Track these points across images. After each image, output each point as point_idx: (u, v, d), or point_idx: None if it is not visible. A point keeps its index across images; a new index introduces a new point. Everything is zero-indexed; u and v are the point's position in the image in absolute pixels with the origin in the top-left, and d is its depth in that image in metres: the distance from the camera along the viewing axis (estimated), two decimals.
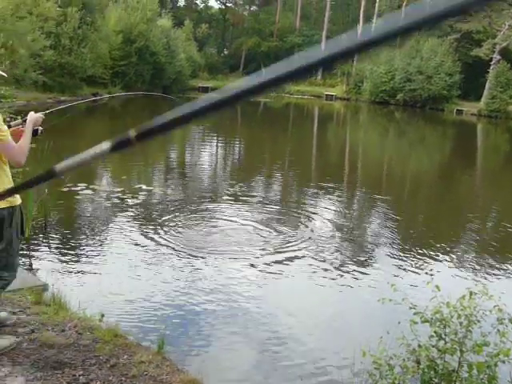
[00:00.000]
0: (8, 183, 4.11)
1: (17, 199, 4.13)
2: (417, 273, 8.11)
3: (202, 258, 8.04)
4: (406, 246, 9.40)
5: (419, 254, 9.01)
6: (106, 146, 1.22)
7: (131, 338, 4.93)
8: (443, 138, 31.67)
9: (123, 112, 35.53)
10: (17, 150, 4.02)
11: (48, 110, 4.86)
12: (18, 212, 4.15)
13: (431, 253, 9.13)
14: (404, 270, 8.19)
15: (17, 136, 4.16)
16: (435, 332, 3.97)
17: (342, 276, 7.74)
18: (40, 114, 4.39)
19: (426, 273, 8.06)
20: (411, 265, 8.43)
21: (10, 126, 4.26)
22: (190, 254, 8.12)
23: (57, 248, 8.16)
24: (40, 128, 4.36)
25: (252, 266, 7.88)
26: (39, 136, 4.42)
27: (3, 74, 4.41)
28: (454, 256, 9.09)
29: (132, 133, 1.13)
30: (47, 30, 32.06)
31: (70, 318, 5.04)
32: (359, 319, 6.53)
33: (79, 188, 11.90)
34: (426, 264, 8.57)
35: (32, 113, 4.39)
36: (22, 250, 7.88)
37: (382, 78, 47.48)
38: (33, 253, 7.95)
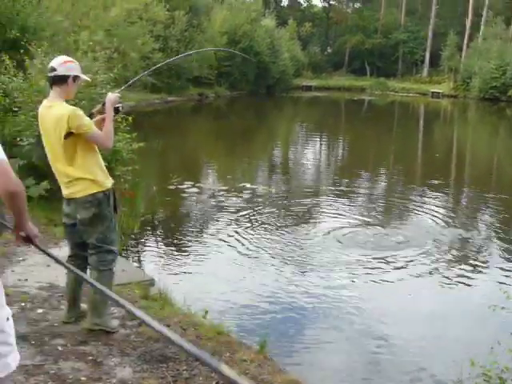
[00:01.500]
0: (102, 171, 4.43)
1: (108, 182, 4.46)
2: None
3: (306, 260, 8.02)
4: None
5: None
6: None
7: (234, 336, 4.99)
8: None
9: (228, 111, 36.15)
10: (103, 137, 4.35)
11: (120, 88, 5.08)
12: (111, 193, 4.48)
13: None
14: None
15: (103, 122, 4.48)
16: None
17: (450, 279, 7.46)
18: (116, 93, 4.64)
19: None
20: None
21: (92, 114, 4.58)
22: (292, 256, 8.12)
23: (163, 244, 8.43)
24: (120, 105, 4.62)
25: (356, 268, 7.76)
26: (121, 112, 4.73)
27: (87, 78, 4.71)
28: None
29: None
30: (156, 34, 33.17)
31: (175, 314, 5.18)
32: (468, 327, 6.26)
33: (185, 186, 12.23)
34: None
35: (109, 94, 4.66)
36: (131, 245, 8.20)
37: (493, 73, 45.27)
38: (141, 248, 8.24)
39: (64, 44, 20.37)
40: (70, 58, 4.46)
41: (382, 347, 5.62)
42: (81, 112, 4.27)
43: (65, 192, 4.42)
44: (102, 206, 4.39)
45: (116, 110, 4.56)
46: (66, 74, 4.29)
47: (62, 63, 4.30)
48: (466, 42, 55.82)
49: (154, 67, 6.36)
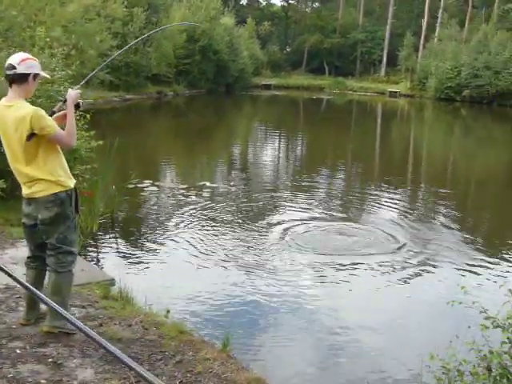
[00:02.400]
0: (64, 171, 4.35)
1: (71, 182, 4.39)
2: (488, 275, 7.82)
3: (266, 258, 8.03)
4: (476, 245, 9.13)
5: (490, 254, 8.74)
6: None
7: (196, 334, 4.98)
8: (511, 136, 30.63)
9: (187, 109, 35.99)
10: (66, 137, 4.27)
11: (79, 84, 4.99)
12: (74, 193, 4.40)
13: (503, 254, 8.84)
14: (474, 271, 7.92)
15: (64, 118, 4.41)
16: (508, 338, 3.81)
17: (408, 276, 7.57)
18: (76, 90, 4.57)
19: (498, 275, 7.77)
20: (482, 266, 8.15)
21: (54, 112, 4.48)
22: (253, 254, 8.13)
23: (123, 243, 8.34)
24: (80, 101, 4.55)
25: (316, 267, 7.81)
26: (81, 108, 4.65)
27: (47, 75, 4.64)
28: None
29: None
30: (114, 31, 32.80)
31: (136, 313, 5.13)
32: (426, 322, 6.37)
33: (145, 185, 12.13)
34: (497, 266, 8.27)
35: (70, 90, 4.58)
36: (90, 244, 8.09)
37: (448, 73, 46.16)
38: (100, 248, 8.14)
39: (19, 39, 19.96)
40: (29, 55, 4.34)
41: (343, 345, 5.67)
42: (43, 112, 4.17)
43: (25, 192, 4.32)
44: (65, 205, 4.31)
45: (76, 107, 4.49)
46: (26, 72, 4.18)
47: (21, 61, 4.17)
48: (422, 42, 56.85)
49: (112, 57, 6.28)
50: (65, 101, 4.49)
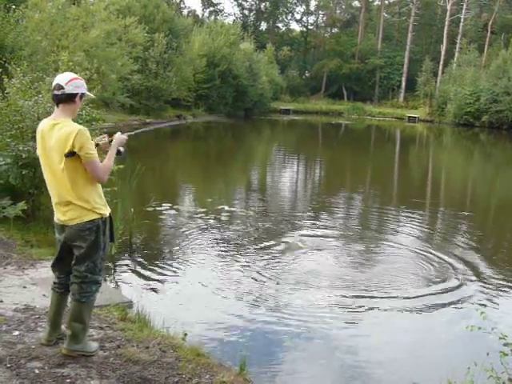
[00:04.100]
0: (100, 199, 4.35)
1: (106, 210, 4.37)
2: (507, 301, 7.77)
3: (285, 281, 8.02)
4: (494, 272, 9.03)
5: (509, 280, 8.65)
6: None
7: (213, 357, 4.97)
8: None
9: (206, 134, 36.24)
10: (101, 169, 4.23)
11: (133, 131, 5.03)
12: (108, 222, 4.40)
13: None
14: (494, 296, 7.86)
15: (103, 150, 4.43)
16: None
17: (426, 301, 7.51)
18: (125, 136, 4.57)
19: None
20: (500, 292, 8.07)
21: (97, 145, 4.43)
22: (271, 278, 8.12)
23: (141, 266, 8.37)
24: (121, 149, 4.53)
25: (333, 289, 7.79)
26: (120, 156, 4.56)
27: (92, 95, 4.62)
28: None
29: None
30: (135, 55, 33.31)
31: (153, 336, 5.15)
32: (445, 347, 6.30)
33: (163, 208, 12.20)
34: None
35: (119, 133, 4.57)
36: (109, 267, 8.14)
37: (467, 99, 46.14)
38: (118, 270, 8.18)
39: (43, 64, 20.34)
40: (75, 75, 4.36)
41: (361, 372, 5.62)
42: (89, 134, 4.17)
43: (60, 218, 4.30)
44: (100, 233, 4.29)
45: (118, 152, 4.48)
46: (74, 92, 4.21)
47: (69, 81, 4.19)
48: (441, 68, 56.98)
49: None
50: (111, 141, 4.51)
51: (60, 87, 4.17)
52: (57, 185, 4.24)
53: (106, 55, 28.65)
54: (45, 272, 6.43)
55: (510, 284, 8.49)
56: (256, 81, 48.84)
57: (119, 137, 4.51)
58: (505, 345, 3.90)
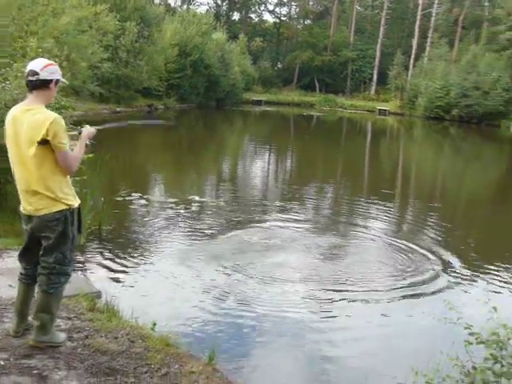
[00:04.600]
0: (70, 189, 4.28)
1: (75, 201, 4.30)
2: (473, 291, 7.91)
3: (253, 271, 8.04)
4: (462, 263, 9.17)
5: (475, 271, 8.80)
6: None
7: (182, 347, 4.96)
8: (499, 155, 30.90)
9: (177, 123, 36.01)
10: (72, 160, 4.16)
11: (103, 125, 4.97)
12: (76, 213, 4.33)
13: (488, 271, 8.90)
14: (459, 287, 7.99)
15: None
16: (491, 354, 3.83)
17: (396, 293, 7.59)
18: (94, 129, 4.51)
19: (483, 292, 7.83)
20: (467, 283, 8.22)
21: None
22: (239, 267, 8.12)
23: (110, 256, 8.31)
24: (89, 142, 4.47)
25: (303, 281, 7.83)
26: (85, 149, 4.46)
27: (66, 81, 4.53)
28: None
29: None
30: (106, 44, 32.86)
31: (122, 326, 5.11)
32: (412, 337, 6.40)
33: (133, 198, 12.11)
34: (482, 283, 8.37)
35: (88, 126, 4.50)
36: (77, 257, 8.06)
37: (437, 93, 46.66)
38: (87, 260, 8.11)
39: (10, 49, 19.92)
40: (50, 61, 4.26)
41: (330, 361, 5.68)
42: (64, 123, 4.09)
43: (26, 207, 4.21)
44: (68, 224, 4.22)
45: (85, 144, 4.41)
46: (49, 78, 4.12)
47: (44, 66, 4.10)
48: (412, 61, 57.45)
49: None
50: (79, 133, 4.43)
51: (34, 73, 4.07)
52: (24, 172, 4.14)
53: (76, 42, 28.17)
54: (11, 262, 6.32)
55: (476, 274, 8.65)
56: (228, 71, 48.62)
57: (89, 129, 4.45)
58: (470, 334, 3.97)
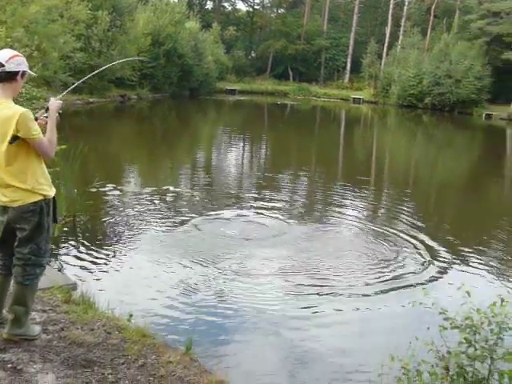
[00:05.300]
0: (45, 179, 4.23)
1: (51, 191, 4.26)
2: (447, 277, 8.02)
3: (229, 261, 8.04)
4: (436, 249, 9.28)
5: (449, 258, 8.92)
6: None
7: (159, 338, 4.96)
8: (471, 143, 31.31)
9: (151, 113, 35.78)
10: (47, 146, 4.12)
11: (62, 93, 4.92)
12: (52, 203, 4.30)
13: (461, 257, 9.04)
14: (434, 273, 8.08)
15: (43, 126, 4.27)
16: (465, 338, 3.91)
17: (369, 279, 7.67)
18: (59, 100, 4.44)
19: (457, 277, 7.97)
20: (441, 268, 8.32)
21: (36, 119, 4.27)
22: (216, 258, 8.12)
23: (85, 248, 8.25)
24: (60, 111, 4.41)
25: (279, 271, 7.86)
26: (60, 119, 4.41)
27: (33, 73, 4.47)
28: (485, 261, 8.95)
29: None
30: (77, 33, 32.43)
31: (98, 318, 5.09)
32: (387, 323, 6.47)
33: (107, 188, 12.02)
34: (456, 268, 8.50)
35: (52, 99, 4.43)
36: (52, 249, 7.98)
37: (410, 81, 47.06)
38: (62, 252, 8.04)
39: None
40: (16, 52, 4.17)
41: (306, 349, 5.71)
42: (32, 115, 4.04)
43: (2, 199, 4.15)
44: (43, 215, 4.19)
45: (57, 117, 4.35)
46: (15, 69, 4.05)
47: (10, 58, 4.03)
48: (385, 50, 57.74)
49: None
50: (47, 109, 4.37)
51: (0, 65, 4.01)
52: None
53: (47, 32, 27.73)
54: None
55: (450, 260, 8.78)
56: (201, 60, 48.34)
57: (54, 102, 4.37)
58: (444, 319, 4.03)
